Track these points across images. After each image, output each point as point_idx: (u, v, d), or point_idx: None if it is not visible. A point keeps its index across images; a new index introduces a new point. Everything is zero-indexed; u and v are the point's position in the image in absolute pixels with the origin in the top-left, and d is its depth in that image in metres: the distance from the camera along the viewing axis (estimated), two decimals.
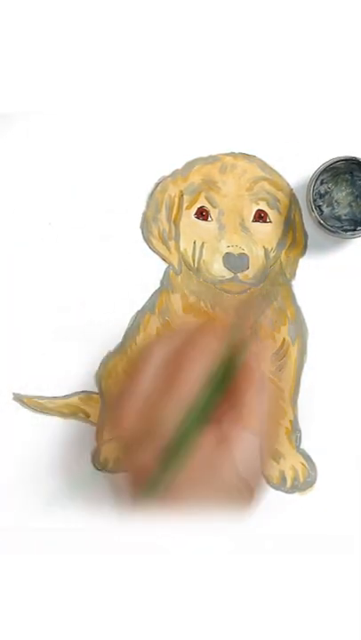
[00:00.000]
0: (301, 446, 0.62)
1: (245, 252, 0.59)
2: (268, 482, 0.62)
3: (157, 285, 0.62)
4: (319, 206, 0.60)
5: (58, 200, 0.63)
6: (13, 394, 0.63)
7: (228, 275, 0.59)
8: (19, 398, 0.63)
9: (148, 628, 0.62)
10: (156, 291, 0.62)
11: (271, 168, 0.62)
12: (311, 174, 0.60)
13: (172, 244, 0.61)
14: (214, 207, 0.59)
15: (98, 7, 0.63)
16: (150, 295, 0.62)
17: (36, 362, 0.63)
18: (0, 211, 0.64)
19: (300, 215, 0.62)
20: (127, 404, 0.49)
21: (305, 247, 0.62)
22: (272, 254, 0.60)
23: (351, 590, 0.62)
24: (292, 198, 0.62)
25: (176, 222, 0.60)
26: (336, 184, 0.60)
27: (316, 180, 0.59)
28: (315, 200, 0.59)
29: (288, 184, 0.62)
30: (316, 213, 0.59)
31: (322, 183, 0.60)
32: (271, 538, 0.62)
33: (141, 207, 0.62)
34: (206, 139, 0.62)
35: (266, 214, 0.60)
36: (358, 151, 0.61)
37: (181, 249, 0.60)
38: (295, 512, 0.62)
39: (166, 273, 0.62)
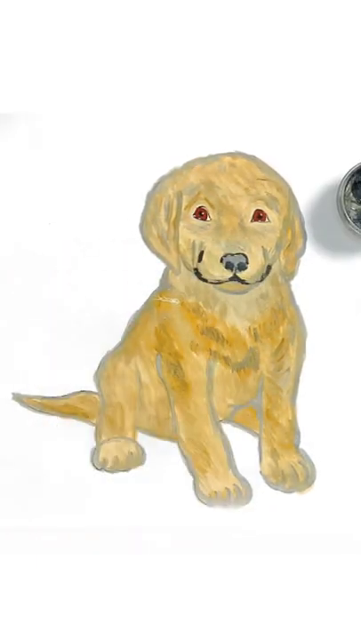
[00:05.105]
0: (301, 446, 0.62)
1: (244, 251, 0.58)
2: (268, 481, 0.62)
3: (157, 285, 0.62)
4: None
5: (58, 200, 0.64)
6: (13, 394, 0.63)
7: (227, 274, 0.59)
8: (19, 398, 0.63)
9: (148, 628, 0.62)
10: (156, 290, 0.62)
11: (270, 168, 0.62)
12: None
13: (171, 244, 0.61)
14: (213, 207, 0.59)
15: (98, 8, 0.63)
16: (149, 295, 0.62)
17: (35, 362, 0.63)
18: (0, 211, 0.64)
19: (300, 215, 0.62)
20: None
21: (304, 247, 0.62)
22: (271, 254, 0.60)
23: (351, 589, 0.62)
24: (291, 198, 0.62)
25: (175, 222, 0.60)
26: None
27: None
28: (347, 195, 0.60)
29: (287, 184, 0.62)
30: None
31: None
32: (270, 537, 0.62)
33: (140, 207, 0.62)
34: (206, 139, 0.62)
35: (265, 214, 0.60)
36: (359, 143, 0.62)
37: (181, 249, 0.60)
38: (294, 512, 0.62)
39: (165, 273, 0.62)
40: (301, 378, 0.62)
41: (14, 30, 0.64)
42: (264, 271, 0.59)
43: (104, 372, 0.63)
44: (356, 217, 0.61)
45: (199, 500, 0.62)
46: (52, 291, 0.63)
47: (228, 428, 0.63)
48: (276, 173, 0.62)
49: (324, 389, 0.62)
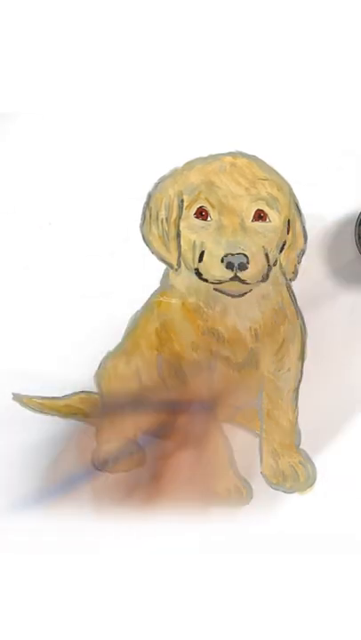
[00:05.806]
0: (301, 446, 0.62)
1: (245, 251, 0.58)
2: (268, 481, 0.62)
3: (157, 285, 0.62)
4: None
5: (58, 200, 0.63)
6: (13, 394, 0.63)
7: (228, 275, 0.59)
8: (19, 398, 0.63)
9: (149, 628, 0.62)
10: (156, 291, 0.62)
11: (271, 168, 0.62)
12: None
13: (171, 244, 0.61)
14: (214, 207, 0.59)
15: (97, 8, 0.63)
16: (150, 295, 0.62)
17: (36, 362, 0.63)
18: (0, 211, 0.64)
19: (300, 215, 0.62)
20: None
21: (305, 247, 0.62)
22: (272, 254, 0.60)
23: (352, 589, 0.62)
24: (292, 198, 0.62)
25: (175, 222, 0.60)
26: None
27: None
28: None
29: (288, 184, 0.62)
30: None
31: None
32: (270, 537, 0.62)
33: (141, 207, 0.62)
34: (206, 139, 0.62)
35: (265, 214, 0.60)
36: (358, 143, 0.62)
37: (181, 249, 0.60)
38: (295, 512, 0.62)
39: (166, 273, 0.62)
40: (302, 378, 0.62)
41: (14, 30, 0.64)
42: (265, 271, 0.59)
43: (104, 372, 0.63)
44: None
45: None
46: (52, 291, 0.63)
47: (228, 429, 0.63)
48: (276, 173, 0.62)
49: (325, 389, 0.62)
